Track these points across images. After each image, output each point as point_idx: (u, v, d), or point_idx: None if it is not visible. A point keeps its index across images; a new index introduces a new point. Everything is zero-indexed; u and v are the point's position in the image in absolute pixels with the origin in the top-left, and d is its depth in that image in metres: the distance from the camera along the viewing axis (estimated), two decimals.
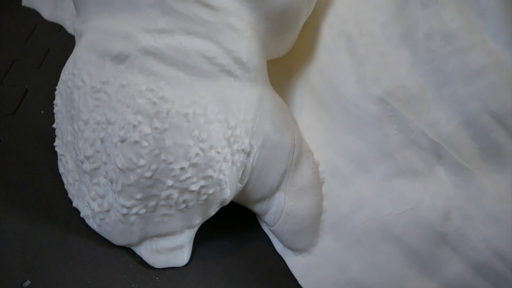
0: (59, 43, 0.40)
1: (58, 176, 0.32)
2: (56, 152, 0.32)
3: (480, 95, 0.30)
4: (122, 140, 0.27)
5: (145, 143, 0.27)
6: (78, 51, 0.30)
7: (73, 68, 0.30)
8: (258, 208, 0.33)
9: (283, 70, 0.38)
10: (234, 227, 0.34)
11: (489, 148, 0.31)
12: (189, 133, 0.27)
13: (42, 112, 0.36)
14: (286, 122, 0.32)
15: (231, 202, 0.31)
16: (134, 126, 0.27)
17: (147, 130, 0.27)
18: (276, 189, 0.32)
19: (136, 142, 0.27)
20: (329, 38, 0.35)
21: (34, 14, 0.42)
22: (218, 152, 0.28)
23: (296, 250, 0.33)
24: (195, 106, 0.28)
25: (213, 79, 0.29)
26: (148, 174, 0.27)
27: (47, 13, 0.43)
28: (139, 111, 0.27)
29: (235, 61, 0.29)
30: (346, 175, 0.33)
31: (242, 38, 0.29)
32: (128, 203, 0.28)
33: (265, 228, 0.35)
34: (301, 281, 0.32)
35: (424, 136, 0.31)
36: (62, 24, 0.42)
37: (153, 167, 0.27)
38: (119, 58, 0.28)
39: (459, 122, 0.31)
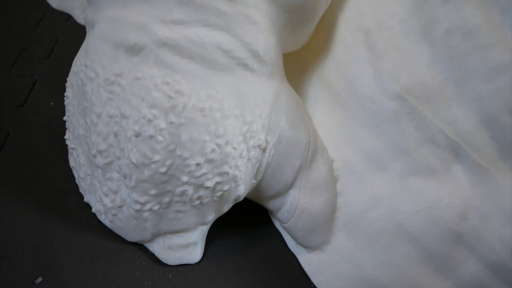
0: (67, 33, 0.39)
1: (69, 170, 0.31)
2: (66, 145, 0.32)
3: (500, 93, 0.29)
4: (137, 135, 0.27)
5: (160, 138, 0.27)
6: (91, 42, 0.29)
7: (85, 59, 0.29)
8: (271, 205, 0.33)
9: (298, 64, 0.37)
10: (246, 223, 0.34)
11: (508, 148, 0.30)
12: (205, 128, 0.27)
13: (52, 104, 0.35)
14: (302, 118, 0.32)
15: (244, 199, 0.31)
16: (149, 120, 0.27)
17: (163, 124, 0.27)
18: (291, 185, 0.32)
19: (151, 137, 0.27)
20: (346, 32, 0.34)
21: (41, 2, 0.41)
22: (234, 148, 0.28)
23: (309, 247, 0.33)
24: (211, 101, 0.27)
25: (230, 73, 0.28)
26: (163, 169, 0.27)
27: (55, 2, 0.42)
28: (155, 104, 0.27)
29: (252, 55, 0.28)
30: (361, 172, 0.33)
31: (260, 31, 0.29)
32: (142, 199, 0.28)
33: (277, 225, 0.35)
34: (313, 279, 0.32)
35: (442, 134, 0.31)
36: (71, 13, 0.41)
37: (168, 162, 0.27)
38: (134, 50, 0.27)
39: (478, 120, 0.30)
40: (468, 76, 0.31)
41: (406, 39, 0.32)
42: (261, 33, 0.29)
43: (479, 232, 0.30)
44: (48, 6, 0.41)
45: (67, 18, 0.41)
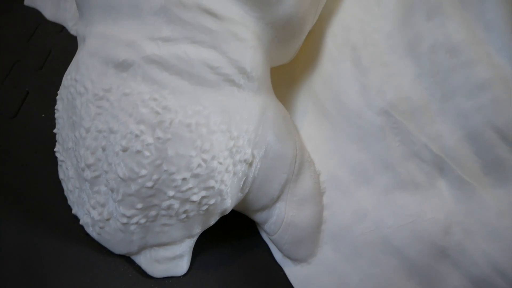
0: (61, 45, 0.40)
1: (58, 182, 0.32)
2: (56, 157, 0.32)
3: (483, 110, 0.30)
4: (124, 149, 0.27)
5: (147, 153, 0.27)
6: (81, 57, 0.30)
7: (75, 74, 0.30)
8: (258, 217, 0.33)
9: (286, 77, 0.38)
10: (233, 235, 0.34)
11: (491, 163, 0.30)
12: (191, 143, 0.27)
13: (43, 115, 0.36)
14: (289, 132, 0.32)
15: (231, 210, 0.31)
16: (137, 136, 0.27)
17: (150, 139, 0.27)
18: (277, 199, 0.32)
19: (138, 152, 0.27)
20: (333, 47, 0.35)
21: (36, 14, 0.41)
22: (220, 163, 0.28)
23: (295, 260, 0.33)
24: (198, 116, 0.28)
25: (216, 89, 0.29)
26: (150, 184, 0.27)
27: (49, 13, 0.42)
28: (142, 120, 0.27)
29: (239, 71, 0.29)
30: (347, 185, 0.33)
31: (247, 47, 0.29)
32: (129, 212, 0.28)
33: (264, 236, 0.35)
34: None
35: (427, 149, 0.31)
36: (64, 24, 0.41)
37: (155, 177, 0.27)
38: (123, 66, 0.28)
39: (462, 136, 0.31)
40: (452, 92, 0.31)
41: (392, 55, 0.33)
42: (248, 50, 0.29)
43: (462, 247, 0.30)
44: (42, 17, 0.42)
45: (60, 29, 0.41)
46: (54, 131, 0.32)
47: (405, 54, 0.32)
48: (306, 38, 0.34)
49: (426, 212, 0.31)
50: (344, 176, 0.33)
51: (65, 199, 0.31)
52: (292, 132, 0.33)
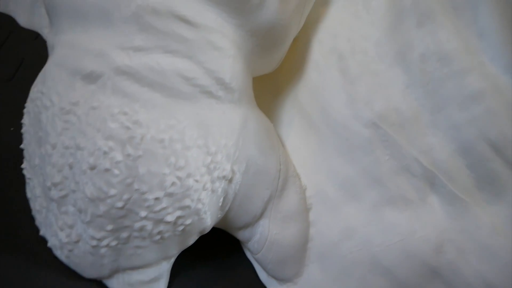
0: (34, 53, 0.38)
1: (26, 201, 0.30)
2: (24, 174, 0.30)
3: (476, 122, 0.28)
4: (92, 168, 0.25)
5: (116, 171, 0.25)
6: (48, 68, 0.28)
7: (42, 86, 0.28)
8: (241, 236, 0.31)
9: (271, 87, 0.36)
10: (214, 253, 0.32)
11: (485, 178, 0.29)
12: (164, 160, 0.25)
13: (12, 129, 0.34)
14: (272, 146, 0.31)
15: (212, 227, 0.29)
16: (105, 153, 0.25)
17: (119, 157, 0.25)
18: (260, 216, 0.30)
19: (107, 170, 0.25)
20: (320, 55, 0.33)
21: (9, 21, 0.39)
22: (197, 181, 0.26)
23: (281, 279, 0.31)
24: (172, 131, 0.26)
25: (192, 102, 0.27)
26: (120, 204, 0.25)
27: (23, 20, 0.40)
28: (111, 136, 0.25)
29: (217, 82, 0.27)
30: (334, 201, 0.32)
31: (225, 57, 0.27)
32: (98, 234, 0.26)
33: (249, 255, 0.33)
34: None
35: (417, 163, 0.30)
36: (39, 31, 0.40)
37: (125, 196, 0.25)
38: (91, 78, 0.26)
39: (454, 149, 0.29)
40: (443, 103, 0.29)
41: (381, 64, 0.31)
42: (226, 59, 0.27)
43: (455, 266, 0.29)
44: (16, 24, 0.40)
45: (35, 36, 0.40)
46: (21, 146, 0.30)
47: (394, 62, 0.31)
48: (291, 45, 0.33)
49: (416, 229, 0.30)
50: (331, 191, 0.32)
51: (33, 219, 0.30)
52: (276, 145, 0.31)
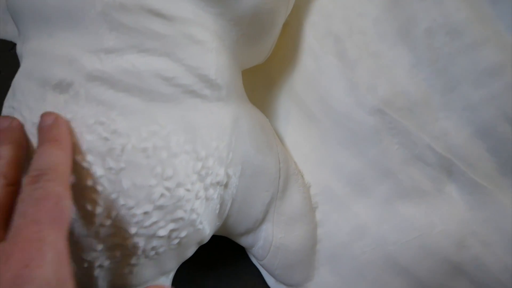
0: (10, 64, 0.35)
1: None
2: None
3: (495, 99, 0.26)
4: (73, 185, 0.23)
5: (99, 187, 0.23)
6: (17, 80, 0.26)
7: (12, 101, 0.26)
8: (243, 242, 0.29)
9: (263, 78, 0.33)
10: (218, 261, 0.31)
11: (508, 161, 0.27)
12: (150, 171, 0.23)
13: None
14: (269, 143, 0.28)
15: (214, 235, 0.27)
16: (85, 168, 0.23)
17: (100, 171, 0.23)
18: (262, 220, 0.28)
19: (89, 187, 0.23)
20: (314, 39, 0.30)
21: None
22: (188, 190, 0.24)
23: (290, 285, 0.30)
24: (155, 138, 0.23)
25: (175, 103, 0.24)
26: (108, 222, 0.23)
27: None
28: (89, 149, 0.23)
29: (200, 79, 0.25)
30: (342, 198, 0.29)
31: (207, 51, 0.25)
32: (89, 256, 0.24)
33: (254, 260, 0.31)
34: None
35: (431, 150, 0.27)
36: (15, 40, 0.37)
37: (113, 213, 0.23)
38: (61, 87, 0.24)
39: (472, 132, 0.27)
40: (456, 81, 0.27)
41: (382, 43, 0.28)
42: (208, 53, 0.25)
43: (480, 262, 0.26)
44: None
45: (11, 47, 0.37)
46: None
47: (397, 41, 0.28)
48: (281, 31, 0.30)
49: (435, 223, 0.27)
50: (338, 187, 0.29)
51: None
52: (273, 142, 0.29)
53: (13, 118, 0.23)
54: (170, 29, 0.24)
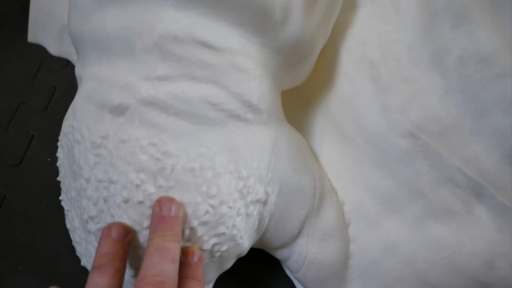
0: (66, 80, 0.38)
1: (66, 232, 0.30)
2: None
3: None
4: (125, 201, 0.25)
5: (149, 203, 0.25)
6: (77, 102, 0.28)
7: (72, 120, 0.28)
8: (279, 255, 0.31)
9: (301, 99, 0.35)
10: (254, 272, 0.32)
11: None
12: (196, 189, 0.25)
13: (49, 159, 0.35)
14: (305, 162, 0.30)
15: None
16: (137, 185, 0.25)
17: (151, 189, 0.25)
18: (298, 235, 0.29)
19: (140, 203, 0.25)
20: (349, 64, 0.32)
21: (40, 51, 0.40)
22: (230, 207, 0.26)
23: None
24: (201, 159, 0.25)
25: (220, 126, 0.26)
26: None
27: (53, 48, 0.41)
28: (142, 168, 0.25)
29: (244, 105, 0.26)
30: (374, 216, 0.30)
31: (251, 78, 0.26)
32: (136, 264, 0.26)
33: (288, 272, 0.33)
34: None
35: (461, 173, 0.28)
36: (69, 58, 0.40)
37: None
38: (118, 110, 0.26)
39: (501, 156, 0.28)
40: (486, 108, 0.28)
41: (415, 69, 0.30)
42: (252, 81, 0.27)
43: (509, 283, 0.27)
44: (47, 53, 0.41)
45: (65, 64, 0.40)
46: (58, 178, 0.30)
47: (430, 67, 0.29)
48: (319, 55, 0.32)
49: (464, 243, 0.28)
50: (370, 205, 0.31)
51: (73, 249, 0.30)
52: (309, 161, 0.30)
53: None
54: (218, 59, 0.26)
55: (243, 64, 0.26)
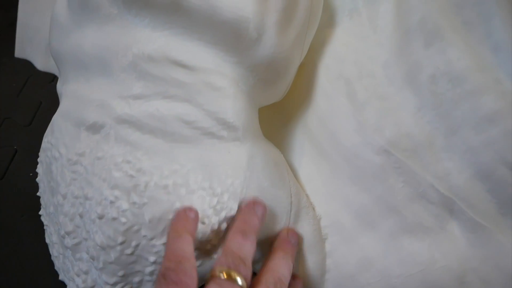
0: (51, 95, 0.39)
1: (46, 246, 0.31)
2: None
3: (493, 145, 0.27)
4: (100, 217, 0.26)
5: (123, 219, 0.25)
6: (56, 119, 0.29)
7: (51, 137, 0.29)
8: (257, 268, 0.31)
9: (280, 114, 0.35)
10: None
11: (507, 202, 0.27)
12: (169, 206, 0.26)
13: (31, 174, 0.35)
14: (281, 178, 0.30)
15: None
16: (111, 202, 0.26)
17: (125, 205, 0.25)
18: None
19: (114, 219, 0.26)
20: (326, 81, 0.32)
21: (26, 66, 0.41)
22: (203, 223, 0.26)
23: None
24: (175, 176, 0.26)
25: (195, 144, 0.27)
26: (129, 250, 0.26)
27: (40, 63, 0.42)
28: (116, 185, 0.26)
29: (218, 122, 0.27)
30: (350, 231, 0.31)
31: (225, 96, 0.27)
32: (111, 280, 0.27)
33: None
34: None
35: (434, 189, 0.28)
36: (56, 73, 0.41)
37: (134, 243, 0.26)
38: (94, 128, 0.27)
39: (472, 173, 0.28)
40: (458, 125, 0.28)
41: (390, 87, 0.30)
42: (226, 99, 0.27)
43: None
44: (33, 68, 0.41)
45: (51, 79, 0.41)
46: (38, 194, 0.31)
47: (403, 85, 0.30)
48: (298, 71, 0.32)
49: (437, 259, 0.28)
50: (346, 220, 0.31)
51: (52, 264, 0.30)
52: (286, 177, 0.31)
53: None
54: (192, 77, 0.26)
55: (217, 83, 0.27)
